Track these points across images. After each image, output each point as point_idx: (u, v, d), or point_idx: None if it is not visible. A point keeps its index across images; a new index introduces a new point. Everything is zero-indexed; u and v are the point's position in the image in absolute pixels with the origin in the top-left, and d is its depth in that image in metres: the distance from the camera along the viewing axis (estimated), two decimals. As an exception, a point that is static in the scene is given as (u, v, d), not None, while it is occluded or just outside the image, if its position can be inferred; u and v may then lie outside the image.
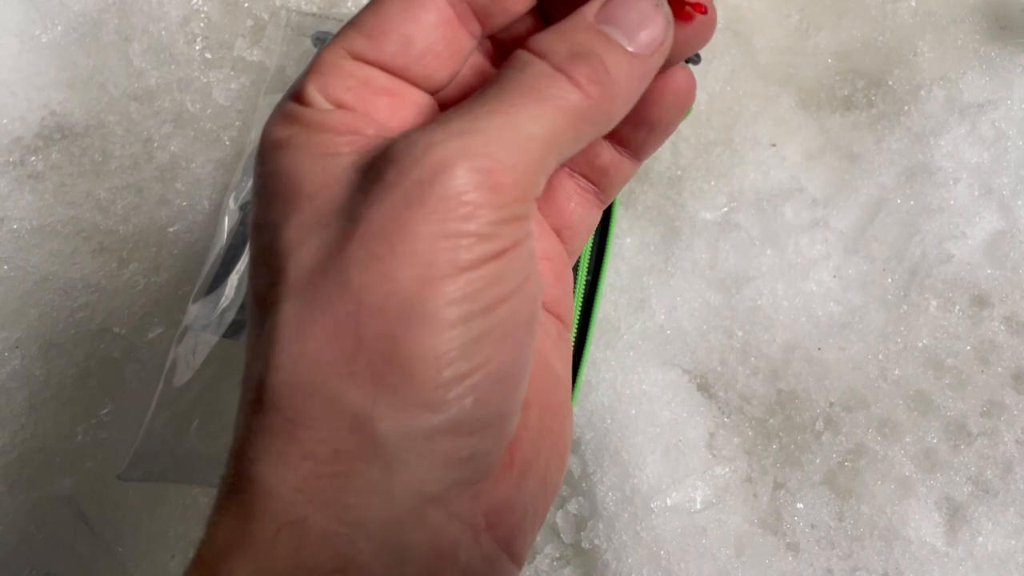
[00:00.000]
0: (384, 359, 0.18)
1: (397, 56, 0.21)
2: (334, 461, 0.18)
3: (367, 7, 0.22)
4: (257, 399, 0.19)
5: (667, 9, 0.22)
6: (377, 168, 0.19)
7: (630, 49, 0.21)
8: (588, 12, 0.21)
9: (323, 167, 0.20)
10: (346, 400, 0.18)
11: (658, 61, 0.22)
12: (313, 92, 0.21)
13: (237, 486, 0.19)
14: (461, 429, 0.19)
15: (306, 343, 0.19)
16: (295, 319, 0.19)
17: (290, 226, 0.20)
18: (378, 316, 0.18)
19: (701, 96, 0.47)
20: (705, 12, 0.23)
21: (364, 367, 0.18)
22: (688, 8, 0.23)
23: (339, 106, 0.21)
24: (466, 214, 0.18)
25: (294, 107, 0.21)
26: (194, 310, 0.44)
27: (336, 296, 0.19)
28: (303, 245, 0.19)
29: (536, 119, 0.20)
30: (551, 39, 0.21)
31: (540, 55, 0.21)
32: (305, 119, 0.21)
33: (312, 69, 0.21)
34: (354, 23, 0.22)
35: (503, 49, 0.25)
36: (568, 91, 0.20)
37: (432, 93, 0.23)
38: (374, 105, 0.21)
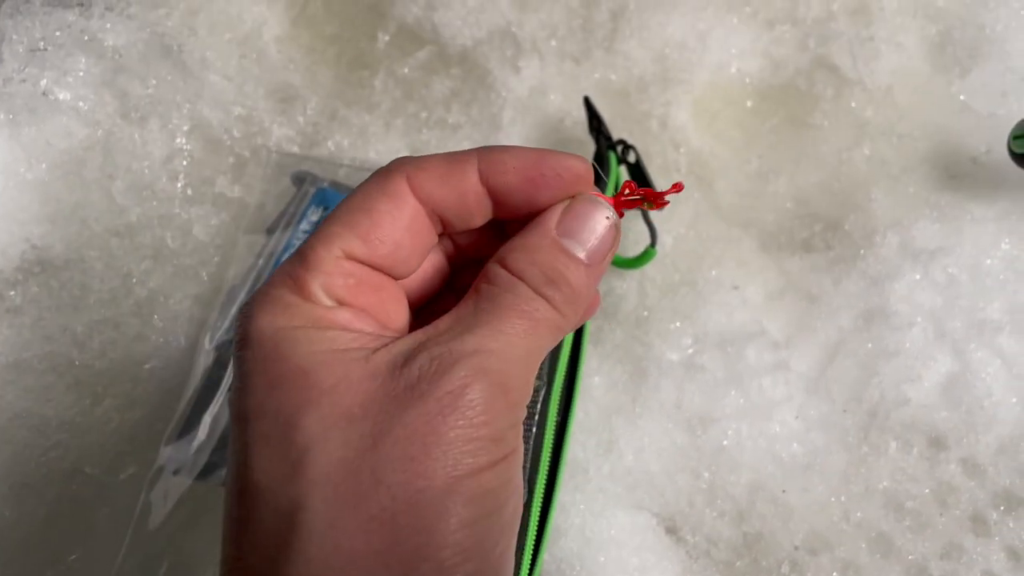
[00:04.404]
0: (418, 553, 0.20)
1: (387, 258, 0.24)
2: None
3: (355, 205, 0.24)
4: None
5: (615, 217, 0.25)
6: (407, 376, 0.21)
7: (585, 261, 0.25)
8: (550, 224, 0.25)
9: (338, 362, 0.22)
10: None
11: (607, 263, 0.25)
12: (317, 289, 0.23)
13: None
14: None
15: (339, 537, 0.20)
16: (326, 513, 0.20)
17: (309, 419, 0.21)
18: (412, 511, 0.20)
19: (666, 239, 0.49)
20: (680, 189, 0.26)
21: (398, 561, 0.20)
22: (664, 197, 0.26)
23: (340, 303, 0.23)
24: (485, 421, 0.21)
25: (296, 300, 0.23)
26: (167, 452, 0.44)
27: (370, 492, 0.20)
28: (327, 440, 0.20)
29: (531, 336, 0.23)
30: (524, 259, 0.24)
31: (518, 276, 0.24)
32: (313, 314, 0.23)
33: (313, 266, 0.23)
34: (348, 223, 0.24)
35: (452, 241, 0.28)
36: (549, 311, 0.24)
37: (398, 279, 0.26)
38: (368, 301, 0.24)
